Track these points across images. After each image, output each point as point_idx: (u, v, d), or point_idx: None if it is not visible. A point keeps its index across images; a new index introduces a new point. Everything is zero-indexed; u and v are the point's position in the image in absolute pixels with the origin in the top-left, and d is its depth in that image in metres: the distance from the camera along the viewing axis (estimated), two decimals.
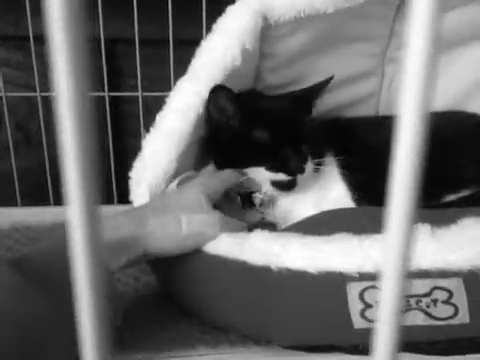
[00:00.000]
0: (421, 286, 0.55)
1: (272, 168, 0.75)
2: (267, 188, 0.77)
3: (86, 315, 0.15)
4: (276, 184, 0.76)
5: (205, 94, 0.73)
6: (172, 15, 0.96)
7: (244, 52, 0.74)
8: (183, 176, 0.74)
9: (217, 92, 0.73)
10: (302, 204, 0.79)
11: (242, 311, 0.63)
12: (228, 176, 0.73)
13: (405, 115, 0.14)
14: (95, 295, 0.14)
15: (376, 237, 0.56)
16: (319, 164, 0.78)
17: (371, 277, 0.55)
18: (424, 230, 0.57)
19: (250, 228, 0.75)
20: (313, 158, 0.77)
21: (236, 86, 0.78)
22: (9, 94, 1.00)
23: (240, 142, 0.76)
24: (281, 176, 0.75)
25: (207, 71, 0.74)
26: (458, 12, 0.85)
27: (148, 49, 1.03)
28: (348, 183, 0.80)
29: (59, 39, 0.13)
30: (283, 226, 0.79)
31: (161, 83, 1.01)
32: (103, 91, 1.01)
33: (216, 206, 0.68)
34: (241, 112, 0.75)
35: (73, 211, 0.14)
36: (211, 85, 0.73)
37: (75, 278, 0.14)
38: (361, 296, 0.55)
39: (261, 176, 0.75)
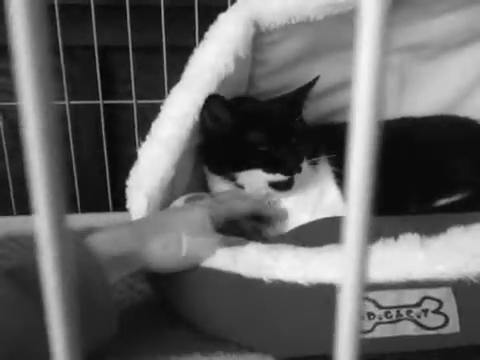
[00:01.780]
0: (411, 296, 0.55)
1: (269, 169, 0.75)
2: (265, 190, 0.77)
3: (56, 325, 0.15)
4: (274, 185, 0.76)
5: (200, 101, 0.73)
6: (165, 22, 0.97)
7: (237, 59, 0.75)
8: (192, 195, 0.75)
9: (211, 101, 0.73)
10: (298, 211, 0.80)
11: (237, 324, 0.63)
12: (238, 205, 0.74)
13: (357, 126, 0.14)
14: (64, 303, 0.15)
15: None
16: (314, 163, 0.79)
17: None
18: (413, 240, 0.57)
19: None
20: (308, 158, 0.78)
21: (229, 93, 0.78)
22: (3, 104, 1.00)
23: (236, 147, 0.76)
24: (279, 177, 0.75)
25: (201, 79, 0.74)
26: (453, 15, 0.85)
27: (142, 56, 1.03)
28: (341, 188, 0.80)
29: (22, 49, 0.13)
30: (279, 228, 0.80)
31: (155, 90, 1.02)
32: (97, 99, 1.01)
33: (220, 229, 0.68)
34: (235, 117, 0.76)
35: (40, 221, 0.14)
36: (205, 92, 0.73)
37: (44, 287, 0.15)
38: None
39: (258, 178, 0.76)
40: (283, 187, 0.76)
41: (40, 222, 0.14)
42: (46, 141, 0.14)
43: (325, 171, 0.81)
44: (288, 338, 0.61)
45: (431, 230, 0.59)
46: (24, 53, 0.14)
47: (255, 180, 0.76)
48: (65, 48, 0.96)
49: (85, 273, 0.55)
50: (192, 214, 0.66)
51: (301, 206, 0.80)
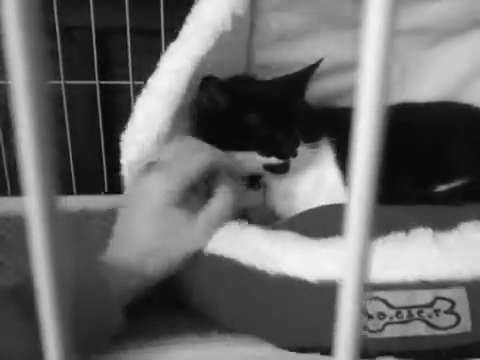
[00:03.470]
0: (423, 296, 0.54)
1: (264, 152, 0.74)
2: (260, 171, 0.77)
3: (47, 308, 0.14)
4: (269, 168, 0.76)
5: (197, 55, 0.72)
6: (164, 5, 0.96)
7: (234, 17, 0.74)
8: (152, 161, 0.69)
9: (208, 83, 0.73)
10: (297, 190, 0.79)
11: (235, 311, 0.63)
12: (191, 164, 0.65)
13: (363, 110, 0.13)
14: (56, 290, 0.14)
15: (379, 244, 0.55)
16: (315, 146, 0.78)
17: (373, 287, 0.53)
18: (426, 236, 0.56)
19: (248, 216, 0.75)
20: (307, 142, 0.77)
21: (228, 57, 0.78)
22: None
23: (231, 128, 0.76)
24: (273, 160, 0.74)
25: (198, 34, 0.73)
26: (453, 1, 0.85)
27: (140, 39, 1.02)
28: (342, 169, 0.80)
29: (14, 26, 0.13)
30: (278, 213, 0.79)
31: (152, 73, 1.01)
32: (94, 80, 1.01)
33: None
34: (232, 99, 0.75)
35: (31, 202, 0.14)
36: (202, 48, 0.72)
37: (35, 271, 0.14)
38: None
39: (253, 160, 0.75)
40: (279, 170, 0.76)
41: (31, 204, 0.14)
42: (37, 122, 0.13)
43: (326, 154, 0.80)
44: (289, 330, 0.60)
45: (441, 223, 0.57)
46: (15, 31, 0.14)
47: (249, 162, 0.75)
48: (63, 29, 0.95)
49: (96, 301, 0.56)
50: (148, 199, 0.63)
51: (301, 189, 0.79)
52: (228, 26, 0.73)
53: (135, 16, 0.97)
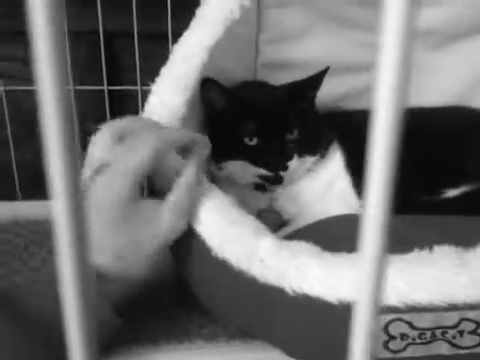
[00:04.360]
0: (449, 318, 0.52)
1: (256, 163, 0.74)
2: (258, 181, 0.77)
3: (72, 313, 0.15)
4: (263, 178, 0.75)
5: (208, 42, 0.73)
6: (171, 9, 0.96)
7: (242, 8, 0.76)
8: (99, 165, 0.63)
9: (207, 84, 0.73)
10: (306, 195, 0.79)
11: (250, 318, 0.62)
12: (136, 158, 0.59)
13: (380, 115, 0.13)
14: (81, 295, 0.14)
15: (399, 263, 0.53)
16: (321, 156, 0.78)
17: (396, 310, 0.52)
18: (451, 255, 0.53)
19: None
20: (316, 149, 0.77)
21: (237, 51, 0.80)
22: (9, 88, 1.00)
23: (225, 134, 0.76)
24: (264, 172, 0.74)
25: (208, 22, 0.75)
26: (459, 4, 0.85)
27: (147, 43, 1.03)
28: (351, 175, 0.79)
29: (42, 32, 0.13)
30: (286, 217, 0.79)
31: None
32: (102, 85, 1.01)
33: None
34: (229, 104, 0.75)
35: (58, 206, 0.14)
36: (213, 36, 0.73)
37: (60, 275, 0.14)
38: (386, 328, 0.53)
39: (247, 170, 0.75)
40: (273, 181, 0.76)
41: (57, 207, 0.14)
42: (63, 126, 0.14)
43: (335, 159, 0.80)
44: (309, 349, 0.59)
45: (463, 238, 0.56)
46: (43, 38, 0.14)
47: (243, 171, 0.75)
48: (70, 33, 0.96)
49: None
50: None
51: (310, 194, 0.79)
52: (237, 15, 0.74)
53: (141, 20, 0.97)
